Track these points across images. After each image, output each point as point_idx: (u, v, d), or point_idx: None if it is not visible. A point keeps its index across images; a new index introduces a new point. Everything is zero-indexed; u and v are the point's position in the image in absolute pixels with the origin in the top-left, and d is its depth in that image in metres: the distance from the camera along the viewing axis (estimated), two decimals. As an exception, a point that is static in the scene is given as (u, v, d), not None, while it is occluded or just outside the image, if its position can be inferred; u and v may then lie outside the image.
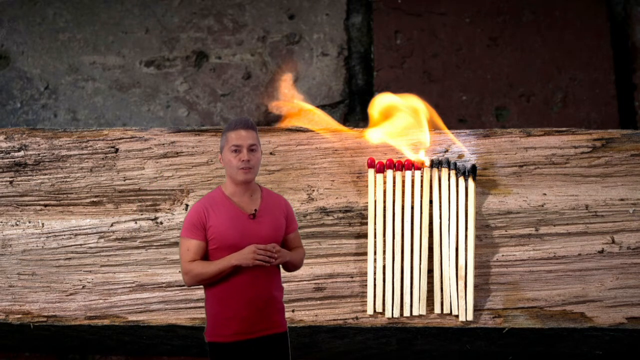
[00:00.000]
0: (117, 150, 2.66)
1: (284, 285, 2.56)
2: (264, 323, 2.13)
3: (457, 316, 2.54)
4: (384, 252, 2.55)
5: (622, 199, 2.60)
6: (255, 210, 2.15)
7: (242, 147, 2.13)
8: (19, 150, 2.67)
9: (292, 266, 2.21)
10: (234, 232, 2.12)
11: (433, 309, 2.55)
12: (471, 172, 2.57)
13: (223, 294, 2.13)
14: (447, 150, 2.64)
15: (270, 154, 2.64)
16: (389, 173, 2.58)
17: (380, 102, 2.70)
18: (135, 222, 2.63)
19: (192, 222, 2.14)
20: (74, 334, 2.72)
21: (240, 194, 2.16)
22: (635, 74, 3.53)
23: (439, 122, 2.67)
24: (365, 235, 2.58)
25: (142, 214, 2.63)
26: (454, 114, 3.46)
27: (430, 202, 2.57)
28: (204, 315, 2.57)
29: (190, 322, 2.57)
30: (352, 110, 3.53)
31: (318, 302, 2.57)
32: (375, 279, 2.55)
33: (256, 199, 2.17)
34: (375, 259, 2.55)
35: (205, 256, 2.15)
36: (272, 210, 2.17)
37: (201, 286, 2.18)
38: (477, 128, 2.70)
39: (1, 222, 2.65)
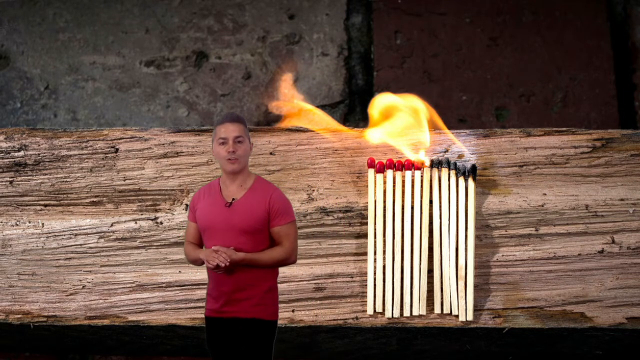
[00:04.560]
0: (117, 150, 2.66)
1: (285, 285, 2.56)
2: (231, 306, 2.20)
3: (457, 316, 2.54)
4: (384, 252, 2.55)
5: (622, 199, 2.60)
6: (233, 199, 2.22)
7: (228, 139, 2.22)
8: (19, 150, 2.67)
9: (262, 267, 2.21)
10: (209, 217, 2.23)
11: (433, 309, 2.55)
12: (471, 172, 2.57)
13: (208, 272, 2.24)
14: (447, 150, 2.64)
15: (270, 154, 2.64)
16: (389, 173, 2.58)
17: (380, 102, 2.70)
18: (135, 222, 2.63)
19: (190, 205, 2.30)
20: (74, 334, 2.72)
21: (229, 183, 2.24)
22: (635, 74, 3.53)
23: (439, 122, 2.67)
24: (365, 235, 2.58)
25: (142, 214, 2.63)
26: (454, 114, 3.46)
27: (430, 202, 2.57)
28: (203, 316, 2.57)
29: (190, 322, 2.57)
30: (352, 110, 3.53)
31: (318, 302, 2.57)
32: (375, 279, 2.55)
33: (244, 188, 2.24)
34: (375, 259, 2.55)
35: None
36: (252, 201, 2.22)
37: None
38: (477, 128, 2.70)
39: (1, 222, 2.65)
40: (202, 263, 2.22)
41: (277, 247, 2.23)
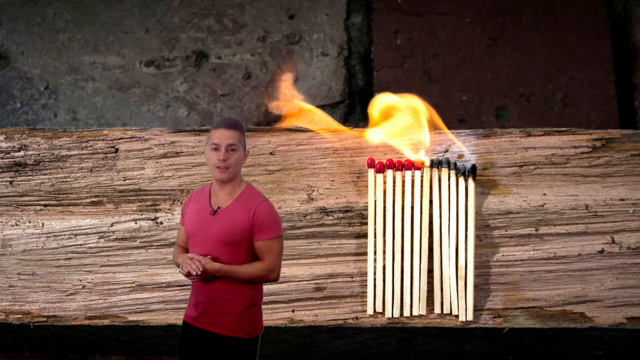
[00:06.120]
0: (117, 150, 2.66)
1: (285, 285, 2.57)
2: (206, 317, 2.15)
3: (457, 316, 2.54)
4: (384, 252, 2.55)
5: (622, 199, 2.60)
6: (218, 207, 2.16)
7: (221, 146, 2.15)
8: (19, 150, 2.67)
9: (238, 281, 2.15)
10: (193, 224, 2.17)
11: (433, 309, 2.55)
12: (471, 172, 2.57)
13: None
14: (447, 150, 2.64)
15: (270, 154, 2.64)
16: (389, 173, 2.58)
17: (380, 102, 2.70)
18: (135, 222, 2.63)
19: (182, 208, 2.25)
20: (74, 334, 2.72)
21: (218, 190, 2.18)
22: (635, 74, 3.53)
23: (439, 122, 2.67)
24: (365, 235, 2.58)
25: (142, 214, 2.63)
26: (454, 114, 3.46)
27: (430, 202, 2.57)
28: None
29: (190, 322, 2.57)
30: (352, 110, 3.53)
31: (318, 302, 2.57)
32: (375, 279, 2.55)
33: (232, 197, 2.17)
34: (375, 259, 2.55)
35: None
36: (236, 212, 2.15)
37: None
38: (477, 128, 2.70)
39: (1, 222, 2.65)
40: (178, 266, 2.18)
41: (258, 262, 2.15)
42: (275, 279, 2.17)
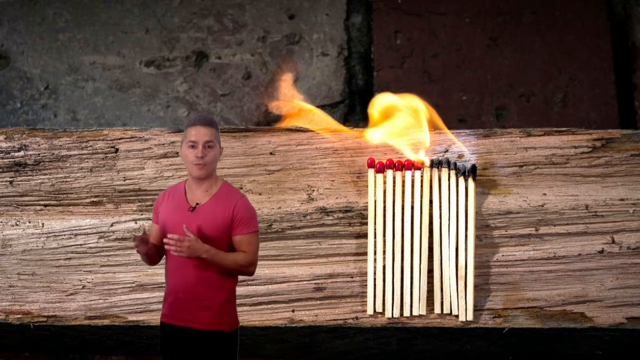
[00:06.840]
0: (117, 150, 2.66)
1: (285, 285, 2.56)
2: (186, 314, 2.15)
3: (457, 316, 2.54)
4: (384, 252, 2.55)
5: (622, 199, 2.60)
6: (197, 204, 2.17)
7: (198, 143, 2.16)
8: (19, 150, 2.67)
9: (222, 268, 2.15)
10: (171, 221, 2.18)
11: (433, 309, 2.55)
12: (471, 172, 2.57)
13: (165, 275, 2.21)
14: (447, 150, 2.64)
15: (270, 154, 2.64)
16: (389, 173, 2.58)
17: (380, 102, 2.70)
18: (135, 222, 2.63)
19: (154, 206, 2.25)
20: (74, 334, 2.72)
21: (194, 187, 2.19)
22: (635, 74, 3.53)
23: (439, 122, 2.67)
24: (365, 235, 2.58)
25: (142, 214, 2.63)
26: (454, 114, 3.46)
27: (430, 202, 2.57)
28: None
29: (190, 322, 2.57)
30: (352, 110, 3.53)
31: (318, 302, 2.57)
32: (375, 279, 2.55)
33: (210, 194, 2.18)
34: (375, 259, 2.55)
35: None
36: (216, 207, 2.17)
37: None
38: (477, 128, 2.70)
39: (1, 222, 2.65)
40: (155, 254, 2.19)
41: (241, 252, 2.17)
42: (252, 273, 2.19)
